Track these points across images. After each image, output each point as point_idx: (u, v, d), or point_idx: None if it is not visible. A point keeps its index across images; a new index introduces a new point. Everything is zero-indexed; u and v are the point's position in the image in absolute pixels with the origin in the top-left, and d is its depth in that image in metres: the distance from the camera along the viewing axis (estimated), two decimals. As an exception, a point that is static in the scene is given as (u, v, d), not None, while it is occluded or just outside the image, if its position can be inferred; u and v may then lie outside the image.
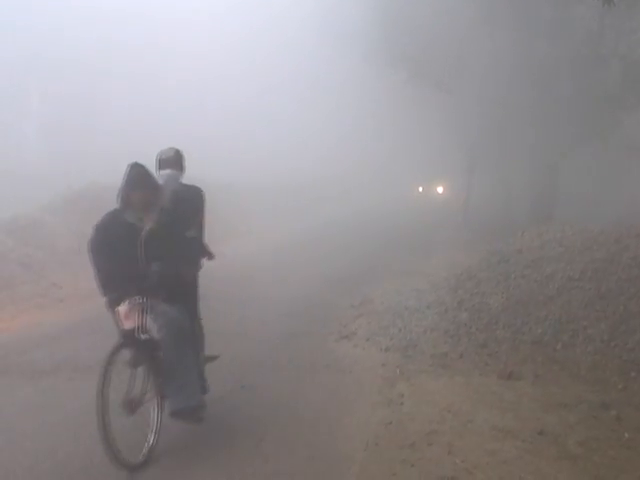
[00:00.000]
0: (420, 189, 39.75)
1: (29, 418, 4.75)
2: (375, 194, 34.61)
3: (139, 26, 29.48)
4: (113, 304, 4.17)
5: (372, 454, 4.24)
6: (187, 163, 5.05)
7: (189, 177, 5.03)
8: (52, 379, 5.63)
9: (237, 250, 13.64)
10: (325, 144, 33.41)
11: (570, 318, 6.94)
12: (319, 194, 27.32)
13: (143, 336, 4.13)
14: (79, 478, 3.90)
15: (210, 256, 5.09)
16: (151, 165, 4.60)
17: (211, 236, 5.26)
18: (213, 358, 5.07)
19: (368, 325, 7.62)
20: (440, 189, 38.22)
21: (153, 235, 4.24)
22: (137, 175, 4.20)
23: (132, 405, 4.04)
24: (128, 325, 4.11)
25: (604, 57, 15.55)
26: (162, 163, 4.91)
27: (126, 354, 4.08)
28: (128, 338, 4.10)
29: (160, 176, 4.73)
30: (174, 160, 4.93)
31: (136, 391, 4.10)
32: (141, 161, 4.28)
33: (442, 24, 16.08)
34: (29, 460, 4.10)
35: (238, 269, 11.48)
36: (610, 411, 4.86)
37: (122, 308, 4.12)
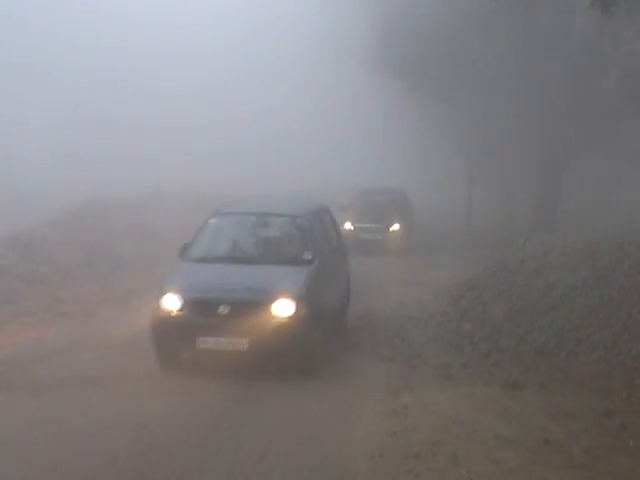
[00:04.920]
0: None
1: (31, 434, 4.74)
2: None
3: (138, 31, 29.80)
4: None
5: (377, 465, 4.23)
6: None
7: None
8: (55, 394, 5.57)
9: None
10: (310, 156, 30.75)
11: (573, 326, 6.93)
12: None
13: None
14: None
15: None
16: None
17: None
18: None
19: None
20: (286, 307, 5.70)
21: None
22: None
23: None
24: None
25: (603, 65, 15.61)
26: None
27: None
28: None
29: None
30: None
31: None
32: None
33: (441, 34, 16.16)
34: (31, 476, 4.08)
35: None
36: (614, 419, 4.85)
37: None
